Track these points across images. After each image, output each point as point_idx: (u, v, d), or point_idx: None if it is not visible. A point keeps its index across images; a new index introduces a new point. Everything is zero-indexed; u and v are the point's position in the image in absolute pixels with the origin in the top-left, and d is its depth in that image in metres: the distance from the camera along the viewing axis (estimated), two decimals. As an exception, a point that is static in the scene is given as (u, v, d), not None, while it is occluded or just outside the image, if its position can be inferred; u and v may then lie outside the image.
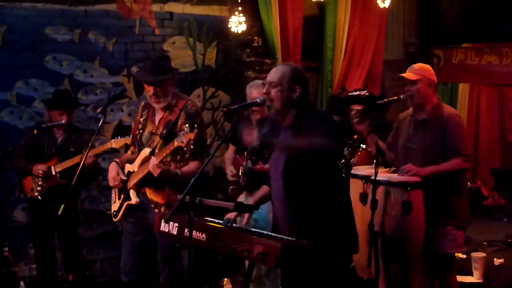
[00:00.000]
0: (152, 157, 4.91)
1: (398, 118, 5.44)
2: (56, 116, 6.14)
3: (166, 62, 5.30)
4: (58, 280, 6.43)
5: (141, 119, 5.29)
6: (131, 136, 5.45)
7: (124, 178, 5.18)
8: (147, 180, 5.05)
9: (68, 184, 5.86)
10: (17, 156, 6.14)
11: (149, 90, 5.08)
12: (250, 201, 4.44)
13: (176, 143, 4.68)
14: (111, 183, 5.24)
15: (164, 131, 5.02)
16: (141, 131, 5.24)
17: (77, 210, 6.45)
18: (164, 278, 5.21)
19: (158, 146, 5.05)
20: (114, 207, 5.29)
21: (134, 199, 5.10)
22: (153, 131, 5.15)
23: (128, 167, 5.22)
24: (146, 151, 5.04)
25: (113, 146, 5.85)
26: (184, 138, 4.62)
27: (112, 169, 5.22)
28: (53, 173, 6.04)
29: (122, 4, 7.29)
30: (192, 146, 4.91)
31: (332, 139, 3.93)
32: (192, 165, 5.07)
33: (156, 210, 5.04)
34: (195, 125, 4.68)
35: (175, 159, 5.07)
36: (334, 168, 4.11)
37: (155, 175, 4.86)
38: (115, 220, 5.29)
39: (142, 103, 5.41)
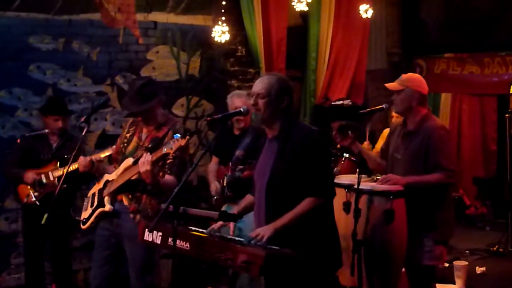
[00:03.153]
0: (146, 153, 4.79)
1: (391, 126, 5.44)
2: (51, 123, 6.15)
3: (149, 87, 5.11)
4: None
5: (127, 135, 5.23)
6: (114, 152, 5.40)
7: (101, 186, 5.16)
8: (125, 188, 4.99)
9: (66, 189, 5.86)
10: (10, 164, 6.17)
11: (138, 117, 5.08)
12: (235, 210, 4.45)
13: (165, 149, 4.60)
14: (81, 165, 5.10)
15: (150, 145, 4.98)
16: (125, 145, 5.20)
17: (71, 220, 6.41)
18: None
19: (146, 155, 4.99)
20: (85, 214, 5.20)
21: (107, 206, 5.02)
22: (139, 144, 5.12)
23: (107, 177, 5.18)
24: (129, 160, 4.99)
25: (111, 152, 5.77)
26: (174, 145, 4.55)
27: (83, 158, 5.14)
28: (51, 178, 6.03)
29: (106, 13, 7.29)
30: (172, 159, 4.90)
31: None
32: (170, 178, 4.98)
33: (131, 216, 5.00)
34: (187, 134, 4.65)
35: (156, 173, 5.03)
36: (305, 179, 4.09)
37: (142, 170, 4.75)
38: (83, 227, 5.17)
39: (130, 120, 5.34)
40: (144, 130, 5.14)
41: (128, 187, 4.98)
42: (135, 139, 5.16)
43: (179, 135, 4.54)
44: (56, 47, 6.98)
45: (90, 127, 5.35)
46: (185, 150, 5.09)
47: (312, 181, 3.94)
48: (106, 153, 5.75)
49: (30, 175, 6.06)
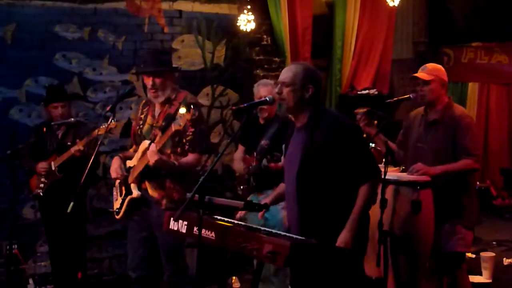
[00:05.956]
0: (152, 144, 4.88)
1: (409, 117, 5.45)
2: (52, 111, 6.18)
3: (166, 56, 5.34)
4: (72, 277, 6.40)
5: (142, 116, 5.29)
6: (131, 134, 5.44)
7: (125, 174, 5.17)
8: (148, 174, 5.03)
9: (66, 178, 5.99)
10: (24, 156, 6.19)
11: (148, 82, 5.08)
12: (266, 199, 4.43)
13: (173, 127, 4.67)
14: (113, 175, 5.19)
15: (164, 124, 5.00)
16: (141, 126, 5.24)
17: (85, 208, 6.45)
18: (167, 277, 5.18)
19: (158, 138, 5.01)
20: (116, 204, 5.27)
21: (135, 192, 5.08)
22: (153, 124, 5.14)
23: (129, 163, 5.21)
24: (145, 143, 5.02)
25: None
26: (181, 120, 4.61)
27: (115, 162, 5.20)
28: (53, 168, 6.06)
29: (131, 2, 7.29)
30: (191, 135, 4.97)
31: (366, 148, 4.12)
32: (191, 157, 5.05)
33: (158, 203, 5.03)
34: (191, 106, 4.67)
35: (175, 152, 5.04)
36: (349, 169, 4.06)
37: (151, 162, 4.83)
38: (117, 217, 5.25)
39: (143, 101, 5.41)
40: (157, 107, 5.16)
41: (149, 173, 5.00)
42: (149, 118, 5.20)
43: (184, 110, 4.56)
44: (81, 36, 7.01)
45: (115, 116, 5.34)
46: (201, 122, 5.15)
47: (361, 167, 3.95)
48: (93, 136, 5.73)
49: (41, 166, 6.11)
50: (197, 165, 5.23)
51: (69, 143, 6.11)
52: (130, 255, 5.32)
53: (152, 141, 4.96)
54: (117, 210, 5.24)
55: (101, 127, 5.68)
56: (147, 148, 4.93)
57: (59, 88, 6.43)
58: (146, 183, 5.10)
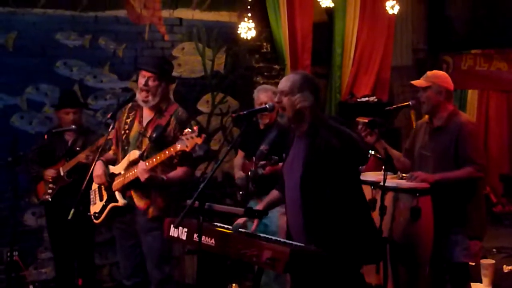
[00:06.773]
0: (141, 161, 4.85)
1: (416, 125, 5.45)
2: (63, 117, 6.19)
3: (168, 66, 5.34)
4: (74, 284, 6.41)
5: (128, 120, 5.23)
6: (114, 136, 5.35)
7: (109, 180, 5.11)
8: (134, 184, 4.97)
9: (75, 182, 5.94)
10: (29, 161, 6.19)
11: (141, 81, 5.02)
12: (259, 206, 4.44)
13: (179, 146, 4.59)
14: (96, 181, 5.15)
15: (154, 135, 4.95)
16: (127, 131, 5.18)
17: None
18: (155, 286, 5.10)
19: (147, 149, 4.98)
20: (95, 208, 5.21)
21: (121, 200, 5.03)
22: (141, 132, 5.09)
23: (112, 169, 5.16)
24: (135, 153, 4.98)
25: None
26: (189, 142, 4.54)
27: (98, 168, 5.12)
28: (62, 173, 6.08)
29: (132, 10, 7.32)
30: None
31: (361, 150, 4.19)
32: (179, 171, 5.02)
33: (148, 213, 5.01)
34: (203, 131, 4.65)
35: (163, 163, 4.94)
36: (353, 176, 4.09)
37: (142, 180, 4.80)
38: (96, 222, 5.20)
39: (129, 105, 5.31)
40: (145, 113, 5.14)
41: (136, 183, 4.98)
42: (135, 124, 5.16)
43: (195, 133, 4.52)
44: (82, 43, 7.03)
45: (115, 123, 5.35)
46: None
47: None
48: (100, 142, 5.71)
49: (49, 172, 6.12)
50: (186, 179, 5.13)
51: (77, 148, 6.14)
52: (122, 264, 5.31)
53: (142, 153, 4.94)
54: (96, 215, 5.20)
55: (107, 134, 5.69)
56: (137, 160, 4.91)
57: (73, 94, 6.47)
58: (132, 191, 5.05)
